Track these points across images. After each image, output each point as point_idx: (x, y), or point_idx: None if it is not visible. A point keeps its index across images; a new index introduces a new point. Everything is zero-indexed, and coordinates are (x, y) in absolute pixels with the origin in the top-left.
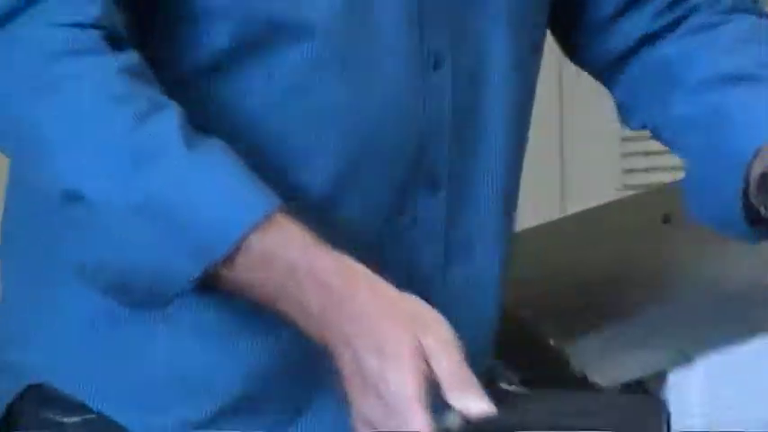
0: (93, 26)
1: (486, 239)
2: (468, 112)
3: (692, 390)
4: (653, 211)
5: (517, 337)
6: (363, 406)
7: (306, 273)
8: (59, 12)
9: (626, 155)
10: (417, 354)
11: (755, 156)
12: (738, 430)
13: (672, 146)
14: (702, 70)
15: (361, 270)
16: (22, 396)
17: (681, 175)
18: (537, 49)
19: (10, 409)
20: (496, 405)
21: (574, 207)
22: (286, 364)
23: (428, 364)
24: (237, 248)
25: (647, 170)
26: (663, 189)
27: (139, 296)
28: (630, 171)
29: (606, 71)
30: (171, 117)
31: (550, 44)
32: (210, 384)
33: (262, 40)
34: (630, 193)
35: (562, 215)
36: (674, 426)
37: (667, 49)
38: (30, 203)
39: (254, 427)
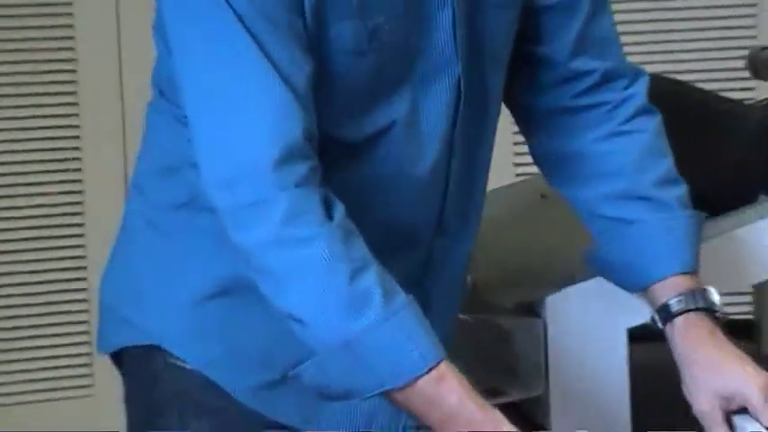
0: (311, 185)
1: (468, 232)
2: (468, 179)
3: (563, 308)
4: (535, 189)
5: None
6: None
7: (462, 421)
8: (282, 176)
9: (517, 153)
10: None
11: (661, 281)
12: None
13: (585, 224)
14: (618, 183)
15: (501, 419)
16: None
17: None
18: None
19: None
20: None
21: None
22: None
23: None
24: (407, 386)
25: (532, 164)
26: (542, 176)
27: (327, 396)
28: (520, 164)
29: (528, 122)
30: (373, 275)
31: None
32: (281, 355)
33: (377, 132)
34: (520, 178)
35: None
36: (549, 337)
37: (590, 145)
38: (154, 209)
39: (305, 391)
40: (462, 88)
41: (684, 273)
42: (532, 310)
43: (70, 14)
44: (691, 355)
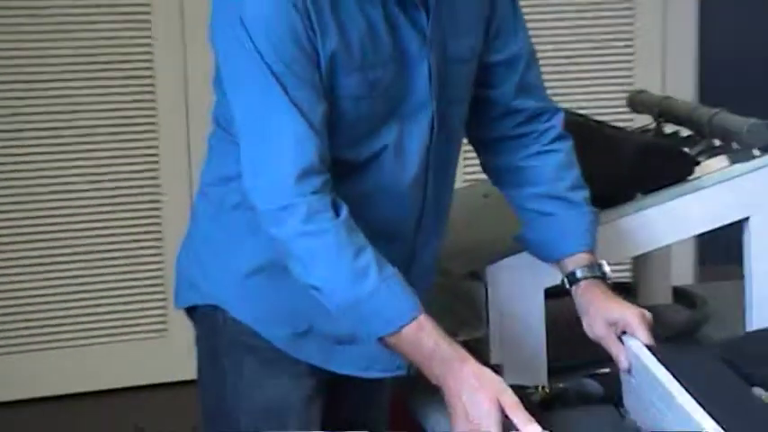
0: (324, 192)
1: (441, 229)
2: (440, 187)
3: (499, 275)
4: (479, 191)
5: None
6: (459, 426)
7: (437, 358)
8: (301, 187)
9: (465, 165)
10: (497, 405)
11: (570, 256)
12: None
13: (517, 214)
14: (542, 187)
15: (467, 356)
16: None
17: None
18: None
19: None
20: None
21: None
22: None
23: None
24: (395, 333)
25: (475, 173)
26: (485, 181)
27: (339, 341)
28: (467, 173)
29: (480, 145)
30: (370, 254)
31: None
32: (306, 313)
33: (373, 155)
34: (466, 183)
35: None
36: (489, 296)
37: (523, 161)
38: (215, 209)
39: (323, 342)
40: (435, 121)
41: (586, 251)
42: (477, 276)
43: (151, 69)
44: (589, 305)
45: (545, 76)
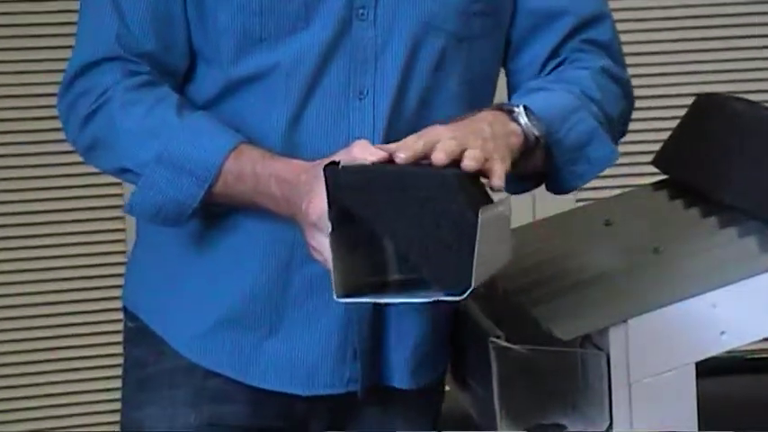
0: (138, 73)
1: None
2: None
3: (627, 341)
4: (598, 215)
5: (504, 306)
6: (310, 240)
7: (268, 176)
8: (87, 80)
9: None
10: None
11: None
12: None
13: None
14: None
15: (302, 165)
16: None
17: (616, 192)
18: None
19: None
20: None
21: (542, 215)
22: (263, 295)
23: None
24: (219, 172)
25: (593, 191)
26: (609, 201)
27: (168, 219)
28: (581, 189)
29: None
30: (169, 104)
31: None
32: (213, 306)
33: (261, 73)
34: (580, 204)
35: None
36: (613, 370)
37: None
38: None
39: (239, 341)
40: (365, 42)
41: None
42: (593, 342)
43: None
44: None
45: (698, 56)
